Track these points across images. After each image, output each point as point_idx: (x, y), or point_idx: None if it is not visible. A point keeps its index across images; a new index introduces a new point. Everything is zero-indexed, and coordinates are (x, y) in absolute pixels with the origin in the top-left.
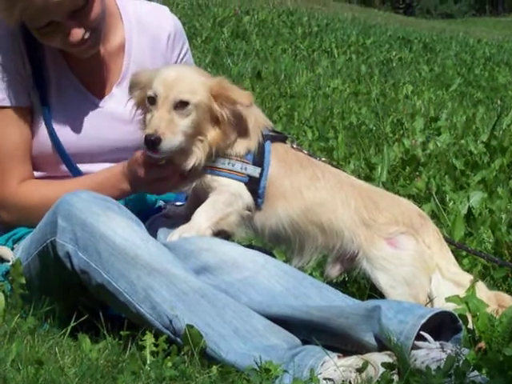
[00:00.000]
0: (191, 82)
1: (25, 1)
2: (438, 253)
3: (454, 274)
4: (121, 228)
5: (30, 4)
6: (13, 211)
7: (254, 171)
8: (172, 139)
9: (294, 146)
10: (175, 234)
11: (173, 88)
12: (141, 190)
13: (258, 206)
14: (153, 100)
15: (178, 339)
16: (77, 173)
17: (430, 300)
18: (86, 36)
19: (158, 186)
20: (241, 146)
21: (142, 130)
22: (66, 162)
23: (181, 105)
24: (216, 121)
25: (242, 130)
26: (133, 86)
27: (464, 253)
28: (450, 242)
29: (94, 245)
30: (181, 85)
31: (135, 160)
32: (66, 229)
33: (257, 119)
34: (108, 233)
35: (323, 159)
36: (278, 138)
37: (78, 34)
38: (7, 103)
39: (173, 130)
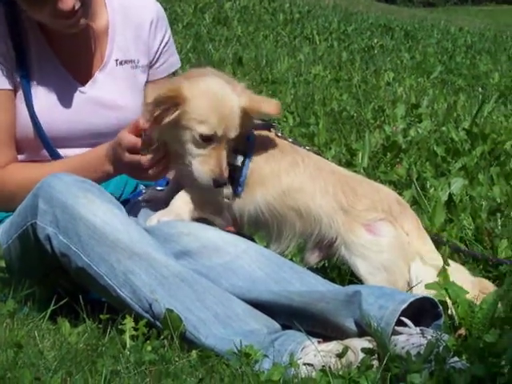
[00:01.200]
0: (238, 112)
1: None
2: (416, 240)
3: (434, 259)
4: (101, 211)
5: None
6: None
7: (236, 160)
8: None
9: (279, 135)
10: (154, 218)
11: (229, 126)
12: (123, 172)
13: (237, 194)
14: (208, 138)
15: (158, 323)
16: (57, 157)
17: (411, 287)
18: (77, 6)
19: (139, 173)
20: None
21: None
22: (46, 146)
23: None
24: None
25: None
26: (157, 104)
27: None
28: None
29: (74, 228)
30: (234, 121)
31: (118, 143)
32: (47, 211)
33: None
34: (88, 216)
35: (307, 148)
36: (263, 126)
37: (68, 1)
38: None
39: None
